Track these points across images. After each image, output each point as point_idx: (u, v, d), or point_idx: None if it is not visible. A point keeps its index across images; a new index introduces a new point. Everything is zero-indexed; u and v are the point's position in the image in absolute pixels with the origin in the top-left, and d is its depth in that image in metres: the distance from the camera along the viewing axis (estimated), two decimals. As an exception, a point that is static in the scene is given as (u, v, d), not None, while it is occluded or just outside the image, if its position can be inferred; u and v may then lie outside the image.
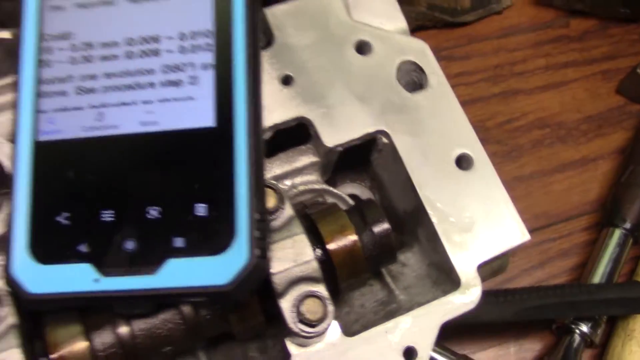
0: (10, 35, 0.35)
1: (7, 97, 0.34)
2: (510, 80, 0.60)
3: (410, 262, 0.38)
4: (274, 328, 0.33)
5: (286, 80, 0.36)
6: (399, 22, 0.40)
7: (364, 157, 0.39)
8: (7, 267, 0.30)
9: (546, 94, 0.61)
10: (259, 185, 0.29)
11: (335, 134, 0.36)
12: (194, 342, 0.32)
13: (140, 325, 0.31)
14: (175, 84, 0.31)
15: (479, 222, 0.35)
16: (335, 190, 0.37)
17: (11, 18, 0.35)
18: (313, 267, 0.30)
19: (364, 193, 0.42)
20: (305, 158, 0.37)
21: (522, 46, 0.61)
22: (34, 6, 0.33)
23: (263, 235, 0.29)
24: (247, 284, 0.28)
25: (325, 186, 0.37)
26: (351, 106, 0.36)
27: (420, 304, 0.34)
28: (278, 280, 0.30)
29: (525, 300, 0.49)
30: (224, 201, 0.29)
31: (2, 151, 0.32)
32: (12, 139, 0.32)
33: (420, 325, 0.33)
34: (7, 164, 0.32)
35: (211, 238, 0.28)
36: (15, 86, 0.32)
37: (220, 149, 0.30)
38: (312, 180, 0.37)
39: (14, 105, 0.32)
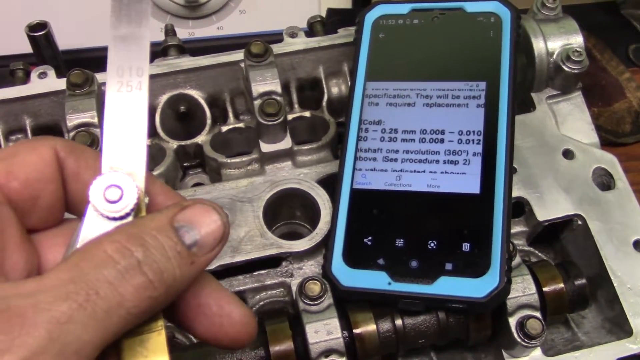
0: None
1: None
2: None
3: (588, 315, 0.51)
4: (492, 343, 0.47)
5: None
6: (593, 138, 0.55)
7: (555, 234, 0.53)
8: (326, 267, 0.45)
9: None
10: (508, 235, 0.43)
11: (545, 212, 0.50)
12: (439, 340, 0.46)
13: (409, 320, 0.45)
14: (454, 163, 0.46)
15: (651, 290, 0.47)
16: (538, 252, 0.51)
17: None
18: (535, 298, 0.44)
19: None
20: (517, 227, 0.51)
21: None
22: (359, 101, 0.50)
23: (509, 269, 0.43)
24: (496, 300, 0.42)
25: (531, 249, 0.51)
26: (557, 194, 0.50)
27: (599, 344, 0.46)
28: (510, 303, 0.44)
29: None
30: (484, 244, 0.43)
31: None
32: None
33: (600, 357, 0.45)
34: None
35: (473, 266, 0.43)
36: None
37: (482, 208, 0.44)
38: (521, 243, 0.51)
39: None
